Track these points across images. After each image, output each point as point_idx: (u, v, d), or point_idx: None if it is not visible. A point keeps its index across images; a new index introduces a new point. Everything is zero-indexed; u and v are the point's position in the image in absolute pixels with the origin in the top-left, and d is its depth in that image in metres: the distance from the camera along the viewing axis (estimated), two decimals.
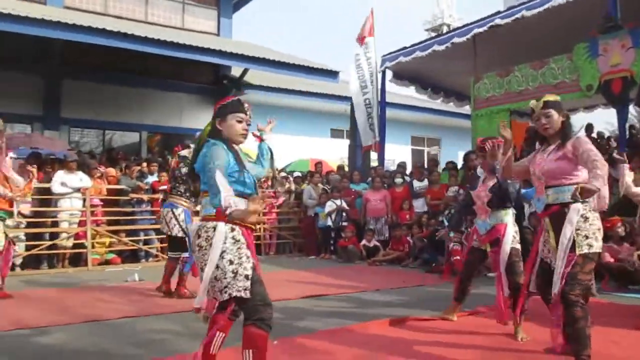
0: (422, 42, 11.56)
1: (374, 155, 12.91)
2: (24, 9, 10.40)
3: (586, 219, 3.16)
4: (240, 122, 2.88)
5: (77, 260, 8.68)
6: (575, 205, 3.17)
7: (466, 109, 14.29)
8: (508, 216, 4.43)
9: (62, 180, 8.44)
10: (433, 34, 26.32)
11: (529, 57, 9.94)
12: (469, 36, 10.26)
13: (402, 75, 12.92)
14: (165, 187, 9.63)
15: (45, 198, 8.50)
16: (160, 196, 9.55)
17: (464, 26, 10.75)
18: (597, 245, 3.17)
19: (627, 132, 9.22)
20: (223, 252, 2.64)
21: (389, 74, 12.80)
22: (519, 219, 4.94)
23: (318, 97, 15.82)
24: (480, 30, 9.95)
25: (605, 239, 4.79)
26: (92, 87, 13.11)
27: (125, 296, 6.06)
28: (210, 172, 2.66)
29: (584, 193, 2.95)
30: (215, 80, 15.07)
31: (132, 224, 9.29)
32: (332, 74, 13.52)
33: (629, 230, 6.56)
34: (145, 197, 9.29)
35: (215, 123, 2.90)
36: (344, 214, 10.34)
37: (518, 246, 4.38)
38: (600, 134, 10.67)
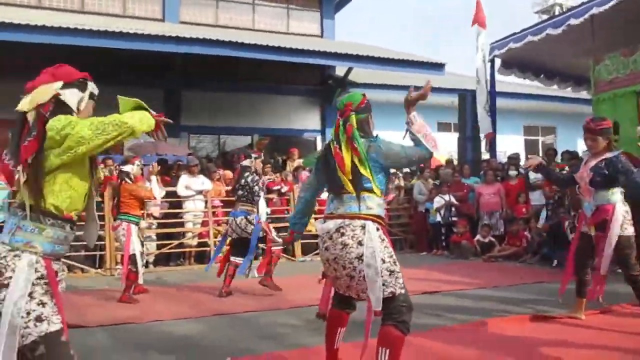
0: (534, 26, 10.93)
1: (484, 148, 12.47)
2: (145, 27, 11.30)
3: None
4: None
5: (202, 257, 9.32)
6: None
7: (584, 94, 13.32)
8: (615, 195, 4.14)
9: (186, 184, 9.10)
10: (544, 17, 24.78)
11: None
12: (586, 16, 9.55)
13: (511, 63, 12.32)
14: (278, 187, 10.08)
15: (173, 201, 9.21)
16: (274, 196, 10.01)
17: (580, 6, 10.02)
18: None
19: None
20: (374, 251, 2.66)
21: (497, 63, 12.27)
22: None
23: None
24: (600, 9, 9.22)
25: None
26: (207, 95, 13.95)
27: (247, 291, 6.42)
28: (405, 152, 2.84)
29: None
30: (321, 81, 15.38)
31: None
32: (438, 67, 13.23)
33: None
34: None
35: (368, 117, 3.00)
36: (453, 209, 10.12)
37: (630, 231, 4.06)
38: None
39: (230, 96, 14.23)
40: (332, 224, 2.78)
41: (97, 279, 7.76)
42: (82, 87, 2.21)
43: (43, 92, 2.11)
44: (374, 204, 2.77)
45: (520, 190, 9.56)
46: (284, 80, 14.71)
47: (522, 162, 11.01)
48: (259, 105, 14.84)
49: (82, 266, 8.13)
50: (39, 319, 1.93)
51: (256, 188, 6.17)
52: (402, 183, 11.33)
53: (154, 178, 6.68)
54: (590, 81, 10.49)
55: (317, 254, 5.68)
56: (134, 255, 5.85)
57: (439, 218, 10.15)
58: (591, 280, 4.41)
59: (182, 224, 9.32)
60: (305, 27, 15.50)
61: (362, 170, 2.78)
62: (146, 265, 7.78)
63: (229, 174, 10.45)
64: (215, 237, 9.26)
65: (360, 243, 2.67)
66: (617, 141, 5.69)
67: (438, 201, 10.14)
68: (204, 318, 5.02)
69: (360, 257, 2.67)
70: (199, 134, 15.08)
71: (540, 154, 17.06)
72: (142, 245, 6.35)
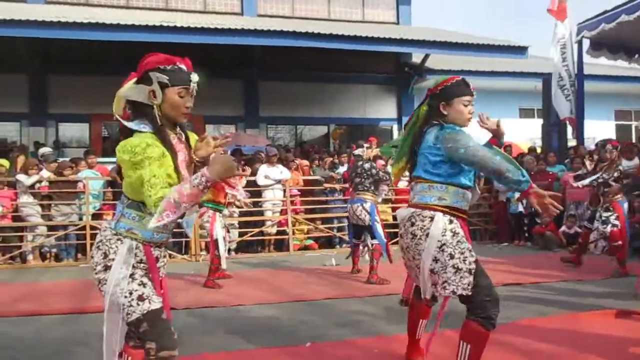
0: (627, 2, 10.21)
1: (570, 134, 11.84)
2: (223, 21, 11.65)
3: None
4: (466, 105, 2.71)
5: (280, 245, 9.57)
6: None
7: None
8: None
9: (266, 173, 9.35)
10: None
11: None
12: None
13: (601, 44, 11.54)
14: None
15: (254, 190, 9.50)
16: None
17: None
18: None
19: None
20: (443, 244, 2.56)
21: (586, 44, 11.55)
22: None
23: (504, 76, 14.94)
24: None
25: None
26: (284, 86, 14.21)
27: (325, 279, 6.54)
28: (466, 153, 2.53)
29: None
30: (396, 69, 15.19)
31: (326, 212, 9.90)
32: (520, 50, 12.69)
33: None
34: (337, 186, 9.81)
35: (439, 106, 2.72)
36: None
37: None
38: None
39: (306, 86, 14.40)
40: (405, 212, 2.74)
41: (183, 265, 8.18)
42: (148, 81, 2.12)
43: (118, 97, 2.19)
44: (449, 195, 2.63)
45: None
46: (360, 69, 14.67)
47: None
48: (335, 95, 14.92)
49: (169, 252, 8.60)
50: (140, 298, 2.09)
51: (381, 173, 6.26)
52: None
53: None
54: None
55: (395, 242, 5.68)
56: (216, 240, 6.10)
57: (521, 208, 9.78)
58: None
59: (261, 213, 9.60)
60: (380, 15, 15.36)
61: (418, 158, 2.72)
62: (228, 252, 8.10)
63: (304, 162, 10.63)
64: (294, 226, 9.47)
65: (427, 235, 2.59)
66: None
67: None
68: (283, 303, 5.17)
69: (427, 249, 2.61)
70: (277, 125, 15.40)
71: (634, 139, 15.96)
72: (227, 232, 6.61)
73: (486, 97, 14.93)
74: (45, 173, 8.61)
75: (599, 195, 6.57)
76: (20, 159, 9.27)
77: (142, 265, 2.15)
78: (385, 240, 6.09)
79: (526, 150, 11.89)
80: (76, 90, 12.72)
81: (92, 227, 8.39)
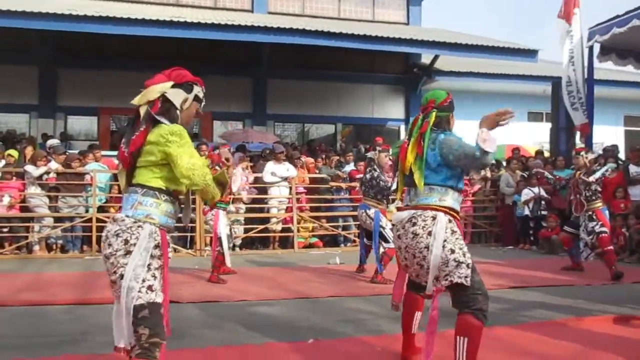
0: (639, 7, 10.12)
1: (578, 139, 11.76)
2: (233, 17, 11.67)
3: None
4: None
5: (285, 242, 9.57)
6: None
7: None
8: None
9: (272, 170, 9.36)
10: None
11: None
12: None
13: (610, 49, 11.42)
14: (360, 176, 10.12)
15: (260, 186, 9.52)
16: (357, 185, 10.07)
17: None
18: None
19: None
20: (444, 241, 2.73)
21: (596, 49, 11.44)
22: None
23: (513, 79, 14.90)
24: None
25: None
26: (292, 84, 14.22)
27: (329, 277, 6.55)
28: (462, 151, 2.77)
29: None
30: (405, 70, 15.17)
31: (331, 211, 9.90)
32: (530, 53, 12.66)
33: None
34: (343, 185, 9.81)
35: (449, 116, 3.04)
36: (542, 202, 9.68)
37: None
38: None
39: (314, 85, 14.41)
40: (405, 214, 2.90)
41: (188, 259, 8.21)
42: (188, 89, 2.47)
43: (153, 90, 2.42)
44: (448, 196, 2.85)
45: (618, 185, 8.97)
46: (368, 68, 14.67)
47: (621, 154, 10.33)
48: (343, 94, 14.92)
49: (174, 246, 8.63)
50: (150, 288, 2.28)
51: (382, 184, 6.13)
52: (488, 174, 10.98)
53: (238, 169, 6.91)
54: None
55: None
56: (220, 238, 6.12)
57: (526, 211, 9.76)
58: None
59: (267, 210, 9.62)
60: (391, 15, 15.34)
61: (418, 165, 2.87)
62: (233, 248, 8.12)
63: (310, 160, 10.64)
64: (299, 224, 9.48)
65: (430, 233, 2.76)
66: None
67: (526, 194, 9.74)
68: (287, 300, 5.18)
69: (428, 247, 2.74)
70: (284, 122, 15.41)
71: None
72: (230, 229, 6.62)
73: (495, 100, 14.92)
74: (54, 165, 8.66)
75: (583, 201, 6.62)
76: (29, 150, 9.33)
77: (158, 253, 2.33)
78: (378, 247, 6.14)
79: (534, 154, 11.84)
80: (85, 83, 12.79)
81: (98, 220, 8.43)
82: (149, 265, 2.29)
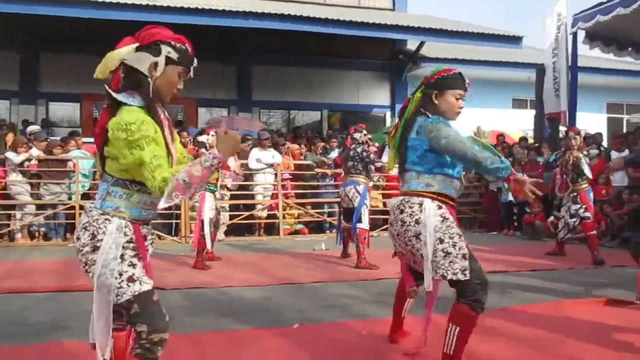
0: None
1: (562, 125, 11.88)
2: (218, 2, 11.50)
3: None
4: (457, 99, 2.72)
5: (271, 229, 9.58)
6: None
7: None
8: None
9: (257, 157, 9.32)
10: None
11: None
12: None
13: (596, 36, 11.51)
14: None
15: (245, 173, 9.46)
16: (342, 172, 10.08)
17: None
18: None
19: None
20: (431, 229, 2.57)
21: (581, 35, 11.51)
22: None
23: (498, 66, 14.93)
24: None
25: None
26: (277, 70, 14.10)
27: (314, 263, 6.56)
28: (447, 144, 2.56)
29: None
30: (390, 56, 15.12)
31: (317, 197, 9.90)
32: (515, 40, 12.67)
33: None
34: (329, 171, 9.80)
35: (432, 95, 2.73)
36: None
37: None
38: None
39: (300, 71, 14.31)
40: (395, 201, 2.76)
41: (173, 246, 8.17)
42: (156, 52, 2.02)
43: (111, 57, 2.04)
44: (436, 181, 2.65)
45: (600, 171, 9.08)
46: (354, 54, 14.58)
47: (604, 142, 10.45)
48: (329, 81, 14.84)
49: (159, 233, 8.58)
50: (130, 279, 2.00)
51: (372, 156, 6.42)
52: None
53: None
54: None
55: (384, 229, 5.71)
56: (202, 221, 6.07)
57: (511, 197, 9.85)
58: None
59: (252, 196, 9.58)
60: (376, 1, 15.23)
61: (392, 143, 2.76)
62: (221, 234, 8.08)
63: (294, 147, 10.61)
64: (284, 210, 9.47)
65: (417, 221, 2.60)
66: None
67: None
68: (272, 286, 5.18)
69: (417, 236, 2.61)
70: (269, 109, 15.31)
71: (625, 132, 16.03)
72: (218, 213, 6.58)
73: (480, 87, 14.90)
74: (35, 151, 8.53)
75: (568, 182, 6.71)
76: (10, 137, 9.18)
77: (131, 245, 2.05)
78: (368, 226, 6.20)
79: (517, 140, 11.92)
80: (67, 69, 12.55)
81: (82, 207, 8.34)
82: (122, 256, 2.00)
